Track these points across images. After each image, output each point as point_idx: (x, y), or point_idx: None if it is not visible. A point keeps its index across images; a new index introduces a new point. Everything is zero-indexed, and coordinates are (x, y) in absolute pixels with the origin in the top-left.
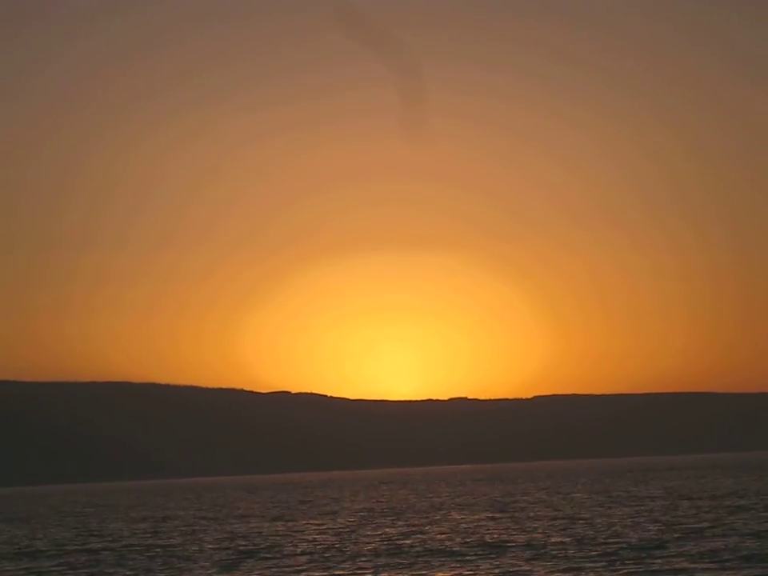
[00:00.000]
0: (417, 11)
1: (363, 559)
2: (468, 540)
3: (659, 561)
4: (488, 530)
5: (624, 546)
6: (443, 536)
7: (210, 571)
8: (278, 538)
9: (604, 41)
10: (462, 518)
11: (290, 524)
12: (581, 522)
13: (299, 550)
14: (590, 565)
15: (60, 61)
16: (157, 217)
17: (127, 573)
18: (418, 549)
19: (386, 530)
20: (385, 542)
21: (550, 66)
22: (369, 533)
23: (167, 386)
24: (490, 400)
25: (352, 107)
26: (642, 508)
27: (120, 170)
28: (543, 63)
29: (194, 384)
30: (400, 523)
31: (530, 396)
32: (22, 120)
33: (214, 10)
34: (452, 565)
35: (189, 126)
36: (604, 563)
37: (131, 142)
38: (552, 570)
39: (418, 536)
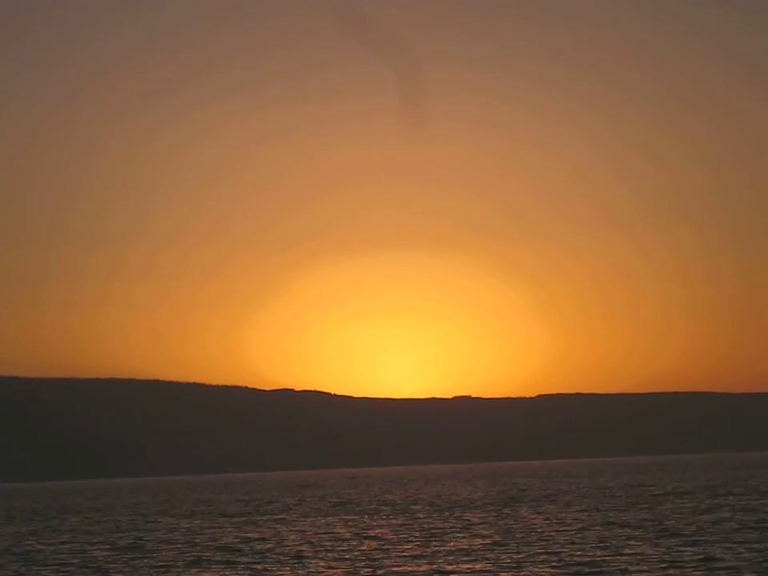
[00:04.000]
0: (418, 13)
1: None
2: None
3: None
4: None
5: None
6: None
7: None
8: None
9: (605, 43)
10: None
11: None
12: None
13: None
14: None
15: (69, 58)
16: (165, 214)
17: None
18: None
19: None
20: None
21: (551, 67)
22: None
23: (172, 383)
24: (494, 398)
25: (360, 108)
26: None
27: (128, 168)
28: (544, 65)
29: (199, 381)
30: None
31: (533, 395)
32: (31, 117)
33: (221, 9)
34: None
35: (196, 126)
36: None
37: (139, 140)
38: None
39: None
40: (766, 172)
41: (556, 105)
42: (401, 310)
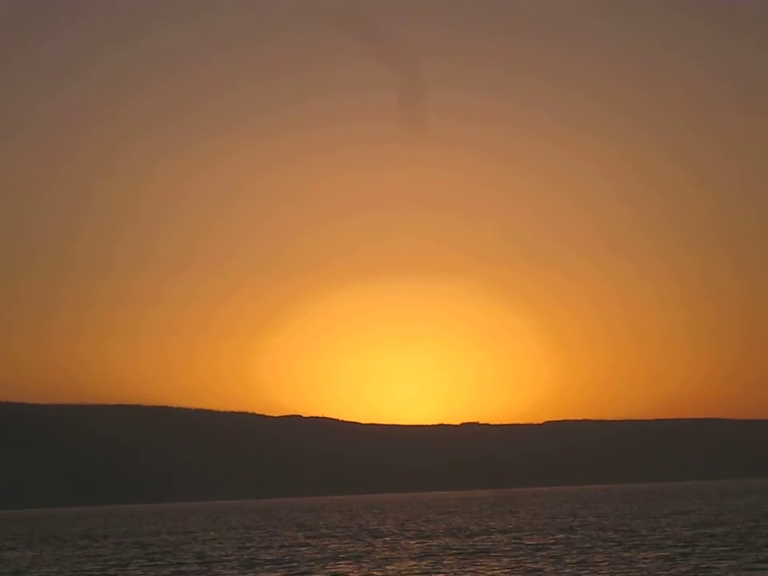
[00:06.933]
0: (424, 37)
1: None
2: None
3: None
4: None
5: None
6: None
7: None
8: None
9: (608, 66)
10: None
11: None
12: None
13: None
14: None
15: (78, 82)
16: (174, 240)
17: None
18: None
19: None
20: None
21: (553, 91)
22: None
23: (180, 409)
24: (502, 425)
25: (367, 134)
26: None
27: (138, 193)
28: (546, 88)
29: (207, 407)
30: None
31: (540, 421)
32: (40, 141)
33: (231, 32)
34: None
35: (205, 151)
36: None
37: (149, 165)
38: None
39: None
40: None
41: (557, 129)
42: (408, 337)
